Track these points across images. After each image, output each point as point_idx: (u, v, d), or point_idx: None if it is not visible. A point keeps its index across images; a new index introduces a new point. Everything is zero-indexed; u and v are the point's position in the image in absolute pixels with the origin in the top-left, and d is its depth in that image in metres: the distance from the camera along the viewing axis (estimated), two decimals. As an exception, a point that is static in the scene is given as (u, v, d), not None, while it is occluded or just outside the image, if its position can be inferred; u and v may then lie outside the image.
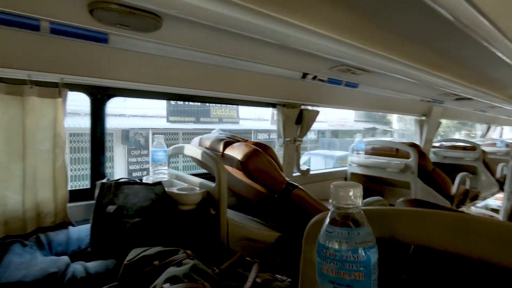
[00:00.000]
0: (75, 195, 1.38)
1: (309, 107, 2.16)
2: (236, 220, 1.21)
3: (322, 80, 1.81)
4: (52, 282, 0.86)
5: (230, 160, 1.31)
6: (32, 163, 1.21)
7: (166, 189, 1.23)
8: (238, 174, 1.33)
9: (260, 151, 1.27)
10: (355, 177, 2.85)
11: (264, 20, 0.97)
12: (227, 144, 1.39)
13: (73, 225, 1.30)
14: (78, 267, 0.96)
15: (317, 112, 2.19)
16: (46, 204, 1.25)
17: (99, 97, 1.42)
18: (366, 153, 2.84)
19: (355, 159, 2.86)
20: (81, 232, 1.20)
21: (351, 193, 0.40)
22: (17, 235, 1.11)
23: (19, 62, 1.10)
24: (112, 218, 1.06)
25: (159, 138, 1.46)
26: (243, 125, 10.47)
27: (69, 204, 1.31)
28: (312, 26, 1.06)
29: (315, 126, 3.91)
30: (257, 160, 1.25)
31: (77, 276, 0.91)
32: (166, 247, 0.84)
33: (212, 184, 1.23)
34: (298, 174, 2.37)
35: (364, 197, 0.45)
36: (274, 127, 2.22)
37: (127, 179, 1.24)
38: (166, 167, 1.51)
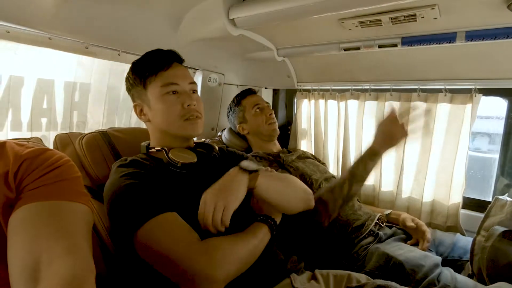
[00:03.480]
0: (472, 203, 1.32)
1: None
2: None
3: None
4: (400, 269, 0.96)
5: None
6: (435, 161, 1.33)
7: None
8: None
9: None
10: None
11: None
12: None
13: (462, 234, 1.27)
14: (446, 273, 0.95)
15: None
16: (440, 204, 1.33)
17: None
18: None
19: None
20: (468, 243, 1.14)
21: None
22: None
23: (436, 74, 1.26)
24: (497, 241, 0.91)
25: None
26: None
27: (462, 211, 1.29)
28: None
29: None
30: None
31: (439, 281, 0.91)
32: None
33: None
34: None
35: None
36: None
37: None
38: None
